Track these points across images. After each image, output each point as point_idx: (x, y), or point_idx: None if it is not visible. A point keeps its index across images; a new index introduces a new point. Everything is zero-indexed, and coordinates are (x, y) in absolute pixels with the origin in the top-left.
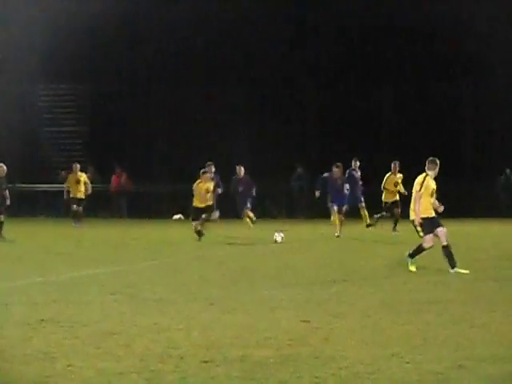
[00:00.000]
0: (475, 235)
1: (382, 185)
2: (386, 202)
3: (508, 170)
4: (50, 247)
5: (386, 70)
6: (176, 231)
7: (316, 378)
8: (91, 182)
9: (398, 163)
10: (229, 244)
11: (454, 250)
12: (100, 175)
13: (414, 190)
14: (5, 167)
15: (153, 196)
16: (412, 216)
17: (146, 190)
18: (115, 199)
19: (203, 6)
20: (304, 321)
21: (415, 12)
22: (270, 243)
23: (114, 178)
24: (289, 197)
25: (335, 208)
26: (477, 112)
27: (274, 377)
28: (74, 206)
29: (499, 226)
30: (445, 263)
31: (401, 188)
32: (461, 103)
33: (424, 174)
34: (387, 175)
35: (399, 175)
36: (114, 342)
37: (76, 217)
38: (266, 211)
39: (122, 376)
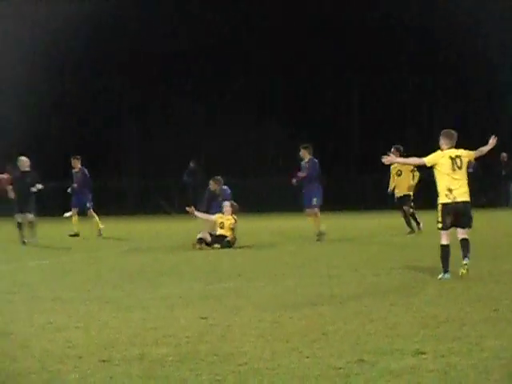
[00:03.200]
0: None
1: None
2: None
3: None
4: None
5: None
6: (68, 229)
7: (216, 375)
8: None
9: None
10: (123, 241)
11: None
12: None
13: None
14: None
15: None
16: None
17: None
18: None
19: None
20: (201, 317)
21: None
22: (164, 240)
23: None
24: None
25: None
26: None
27: (173, 375)
28: None
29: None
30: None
31: None
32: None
33: None
34: None
35: None
36: (10, 342)
37: None
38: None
39: (20, 377)
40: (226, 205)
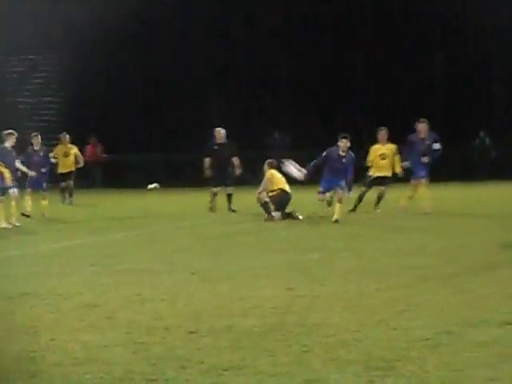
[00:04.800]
0: (454, 200)
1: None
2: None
3: (482, 133)
4: (26, 220)
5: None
6: (152, 201)
7: (304, 346)
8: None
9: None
10: (206, 213)
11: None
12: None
13: None
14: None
15: (127, 165)
16: None
17: (120, 159)
18: (90, 169)
19: None
20: (287, 288)
21: None
22: (246, 211)
23: (88, 147)
24: None
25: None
26: (449, 75)
27: (261, 346)
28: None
29: (475, 190)
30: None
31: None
32: (432, 66)
33: None
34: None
35: (388, 145)
36: (97, 314)
37: (64, 192)
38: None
39: (107, 349)
40: None
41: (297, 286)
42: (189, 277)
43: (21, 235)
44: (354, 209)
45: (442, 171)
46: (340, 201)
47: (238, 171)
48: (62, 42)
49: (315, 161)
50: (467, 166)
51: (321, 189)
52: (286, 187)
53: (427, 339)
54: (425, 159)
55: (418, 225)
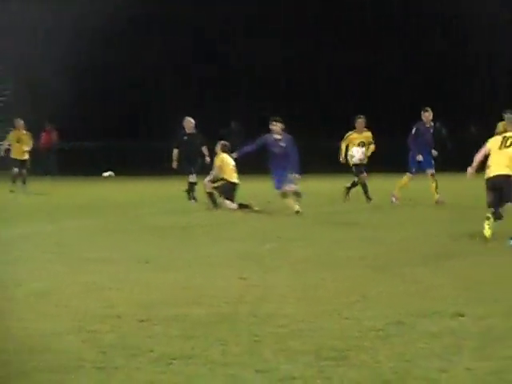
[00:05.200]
0: (408, 191)
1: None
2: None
3: (438, 124)
4: None
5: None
6: (107, 189)
7: (255, 336)
8: None
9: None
10: (161, 202)
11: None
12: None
13: None
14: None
15: (83, 153)
16: None
17: (76, 146)
18: (45, 156)
19: None
20: (241, 278)
21: None
22: (202, 201)
23: (43, 134)
24: None
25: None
26: (404, 66)
27: (212, 335)
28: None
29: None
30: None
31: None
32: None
33: None
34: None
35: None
36: (50, 302)
37: (15, 180)
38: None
39: (59, 337)
40: None
41: (250, 276)
42: (142, 265)
43: None
44: (368, 197)
45: (400, 162)
46: (296, 194)
47: (207, 160)
48: (51, 40)
49: (247, 146)
50: None
51: (276, 184)
52: (234, 176)
53: (379, 330)
54: (434, 152)
55: (374, 216)
